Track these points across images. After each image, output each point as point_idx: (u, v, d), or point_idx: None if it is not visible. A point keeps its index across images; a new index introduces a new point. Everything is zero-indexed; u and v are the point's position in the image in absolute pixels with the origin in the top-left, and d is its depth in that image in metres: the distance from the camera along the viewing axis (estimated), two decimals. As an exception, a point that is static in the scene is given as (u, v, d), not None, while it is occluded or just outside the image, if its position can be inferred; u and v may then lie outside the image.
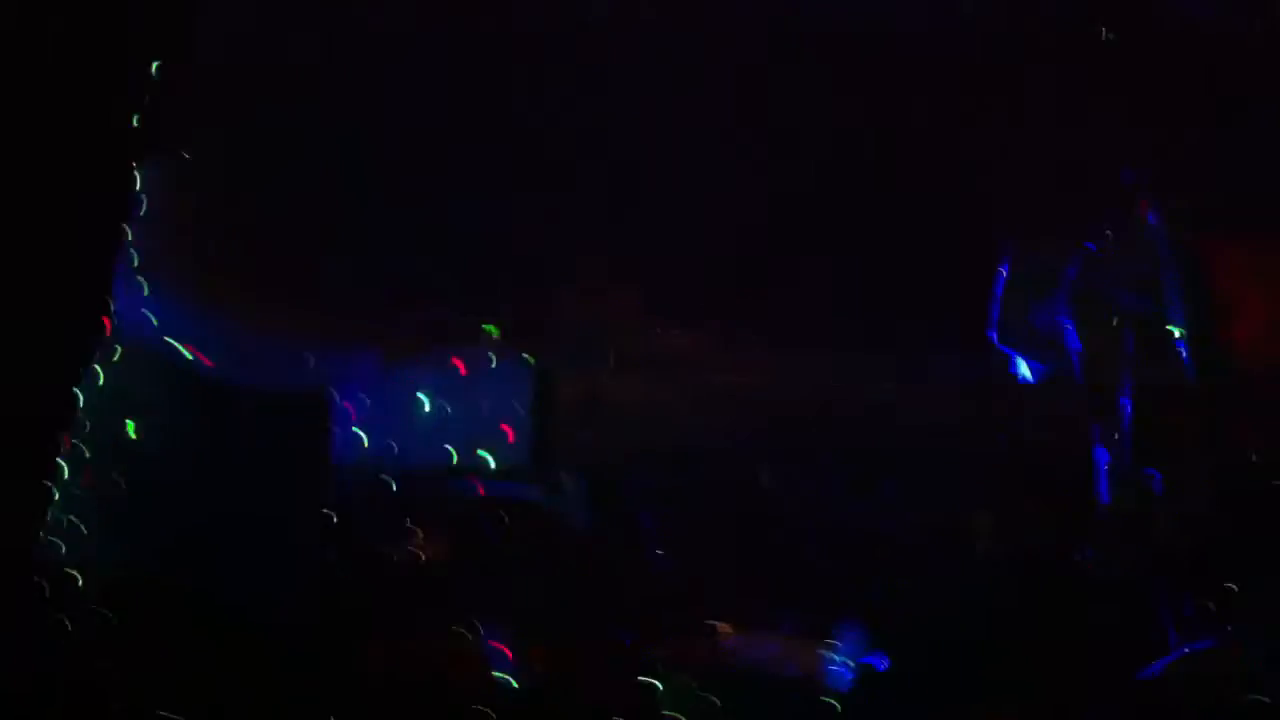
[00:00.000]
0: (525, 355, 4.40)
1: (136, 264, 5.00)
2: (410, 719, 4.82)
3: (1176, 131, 5.76)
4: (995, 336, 6.02)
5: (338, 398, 4.65)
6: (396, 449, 4.50)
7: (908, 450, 5.14)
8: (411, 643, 4.94)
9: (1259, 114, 6.04)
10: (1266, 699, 4.86)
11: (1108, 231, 5.11)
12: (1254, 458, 5.10)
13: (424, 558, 4.82)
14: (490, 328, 4.69)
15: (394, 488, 4.66)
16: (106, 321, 4.91)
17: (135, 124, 4.92)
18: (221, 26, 5.13)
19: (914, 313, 6.27)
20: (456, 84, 5.72)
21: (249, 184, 5.15)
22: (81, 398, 4.99)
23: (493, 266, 5.36)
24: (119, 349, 5.15)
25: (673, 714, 4.61)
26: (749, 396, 4.37)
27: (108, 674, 4.97)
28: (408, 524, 4.88)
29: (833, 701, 4.55)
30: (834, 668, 4.55)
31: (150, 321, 4.99)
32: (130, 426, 5.22)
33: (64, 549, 5.22)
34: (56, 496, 5.05)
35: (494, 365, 4.43)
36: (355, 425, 4.62)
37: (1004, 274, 6.00)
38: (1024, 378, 5.95)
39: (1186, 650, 4.78)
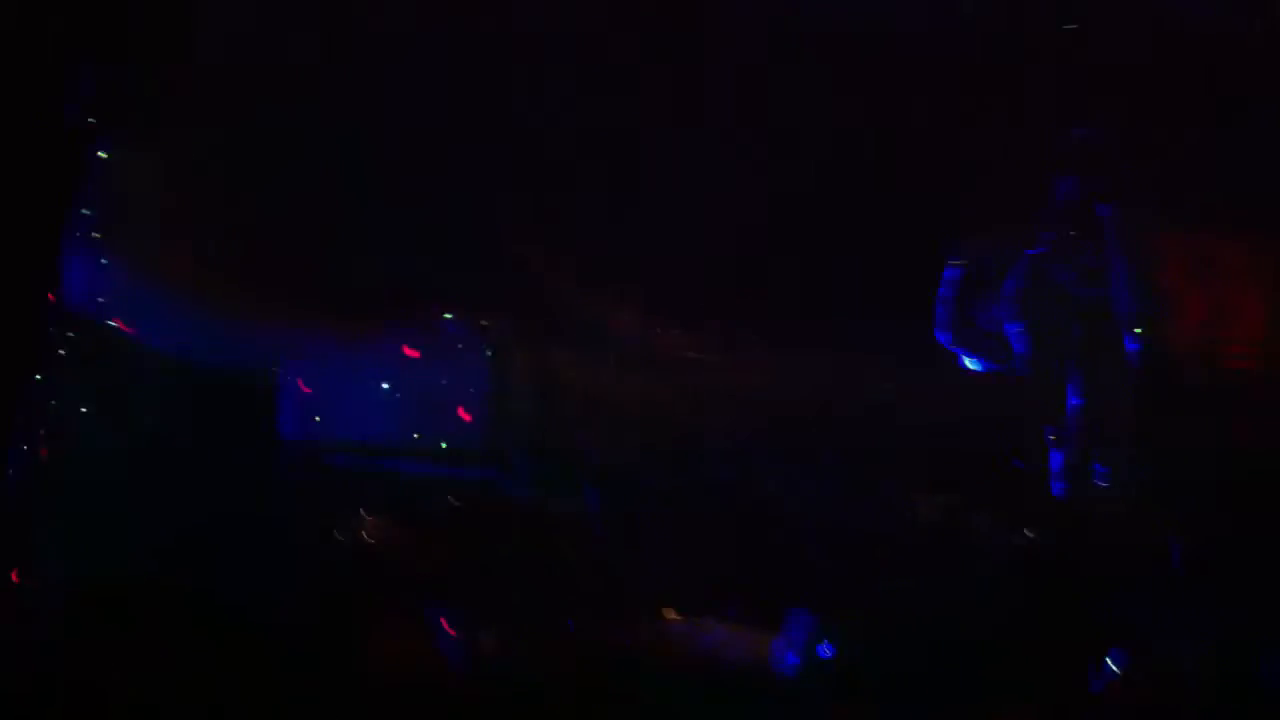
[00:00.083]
0: (481, 336, 4.35)
1: (87, 239, 4.98)
2: (359, 702, 4.81)
3: (1135, 128, 5.77)
4: (942, 336, 6.03)
5: (288, 376, 4.61)
6: (348, 429, 4.45)
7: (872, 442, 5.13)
8: (361, 626, 4.93)
9: (1221, 111, 6.07)
10: (1219, 691, 4.90)
11: (1058, 227, 5.12)
12: (1203, 449, 5.12)
13: (372, 540, 4.80)
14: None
15: (343, 469, 4.63)
16: (51, 298, 4.91)
17: (84, 101, 4.94)
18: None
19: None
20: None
21: (205, 161, 5.12)
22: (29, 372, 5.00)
23: (472, 255, 5.34)
24: (70, 325, 5.14)
25: (621, 698, 4.61)
26: (712, 378, 4.35)
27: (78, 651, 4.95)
28: (356, 507, 4.86)
29: (778, 688, 4.55)
30: (781, 655, 4.55)
31: (100, 298, 4.96)
32: (79, 403, 5.20)
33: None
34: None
35: (450, 345, 4.38)
36: (305, 405, 4.58)
37: (951, 273, 6.02)
38: (971, 375, 5.99)
39: (1134, 646, 4.79)
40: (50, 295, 5.05)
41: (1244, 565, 5.14)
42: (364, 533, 4.75)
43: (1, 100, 5.12)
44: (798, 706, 4.58)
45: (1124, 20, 6.28)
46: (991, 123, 6.63)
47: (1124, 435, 4.85)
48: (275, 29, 5.35)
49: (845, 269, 7.04)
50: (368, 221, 5.12)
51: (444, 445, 4.24)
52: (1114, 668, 4.81)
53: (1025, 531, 4.72)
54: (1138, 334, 4.90)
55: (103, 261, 5.05)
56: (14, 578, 5.22)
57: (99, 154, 5.00)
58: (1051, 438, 4.74)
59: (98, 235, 4.99)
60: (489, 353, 4.16)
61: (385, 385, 4.37)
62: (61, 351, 5.13)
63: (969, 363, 5.87)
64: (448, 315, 4.61)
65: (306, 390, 4.53)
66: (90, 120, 4.99)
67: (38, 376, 5.14)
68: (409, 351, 4.40)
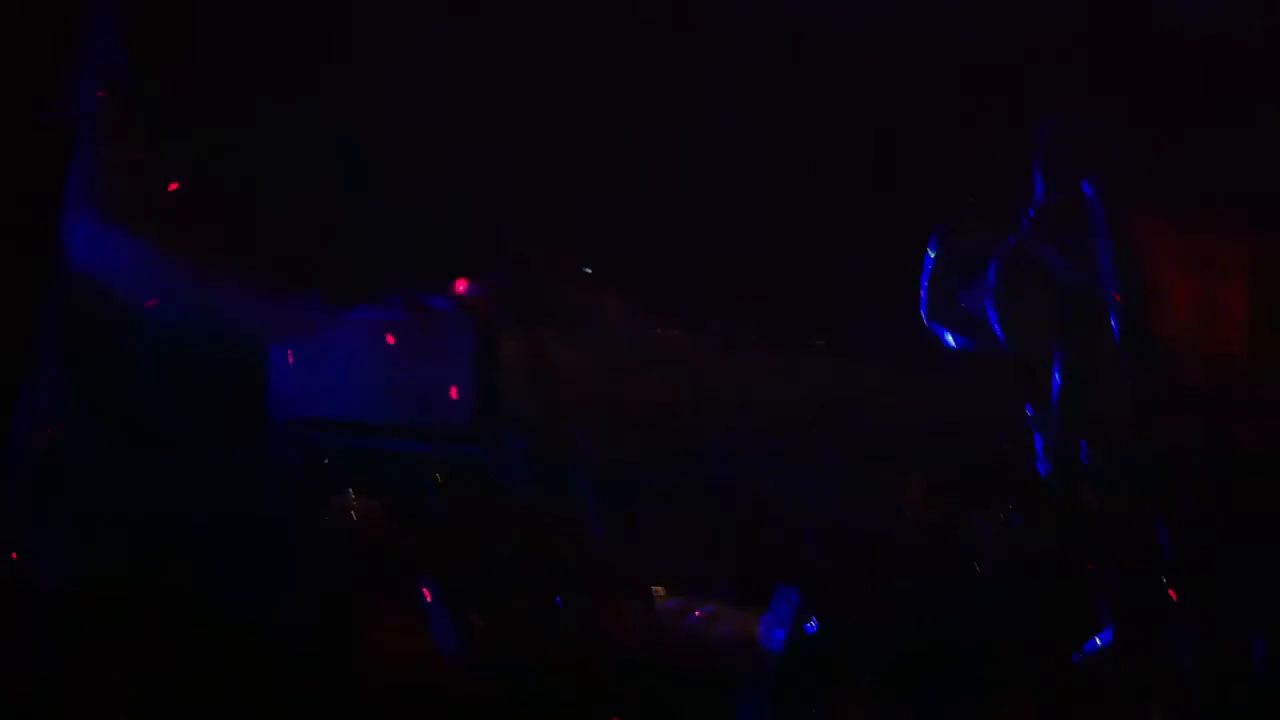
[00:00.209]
0: (470, 316, 4.32)
1: (89, 202, 4.96)
2: (347, 682, 4.81)
3: (1122, 114, 5.78)
4: (925, 315, 6.03)
5: (278, 358, 4.58)
6: (337, 409, 4.43)
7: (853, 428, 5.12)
8: (353, 610, 4.93)
9: (1210, 103, 6.09)
10: (1196, 679, 4.91)
11: (1042, 210, 5.12)
12: (1185, 434, 5.14)
13: (362, 521, 4.79)
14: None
15: (332, 446, 4.61)
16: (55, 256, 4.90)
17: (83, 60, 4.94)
18: None
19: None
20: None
21: (209, 130, 5.11)
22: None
23: (464, 237, 5.32)
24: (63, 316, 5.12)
25: (603, 675, 4.61)
26: (699, 360, 4.33)
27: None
28: (346, 488, 4.84)
29: (766, 665, 4.55)
30: (767, 632, 4.55)
31: (100, 259, 4.93)
32: (72, 396, 5.18)
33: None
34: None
35: (438, 325, 4.36)
36: (295, 386, 4.56)
37: (934, 252, 6.01)
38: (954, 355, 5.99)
39: (1112, 632, 4.81)
40: (45, 290, 5.06)
41: (1231, 550, 5.15)
42: (354, 514, 4.74)
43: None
44: (786, 685, 4.59)
45: (1112, 12, 6.29)
46: (979, 111, 6.63)
47: (1108, 417, 4.85)
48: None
49: (840, 262, 7.04)
50: (358, 203, 5.10)
51: (433, 425, 4.22)
52: (1100, 646, 4.82)
53: (1013, 514, 4.73)
54: (1122, 316, 4.90)
55: (94, 249, 5.03)
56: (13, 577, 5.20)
57: (92, 143, 4.99)
58: (1035, 419, 4.74)
59: (91, 223, 4.97)
60: (477, 333, 4.13)
61: (374, 365, 4.34)
62: (56, 348, 5.12)
63: (950, 341, 5.87)
64: (436, 295, 4.57)
65: (296, 371, 4.50)
66: (83, 112, 4.98)
67: (34, 373, 5.13)
68: (398, 331, 4.37)
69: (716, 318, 4.46)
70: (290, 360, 4.53)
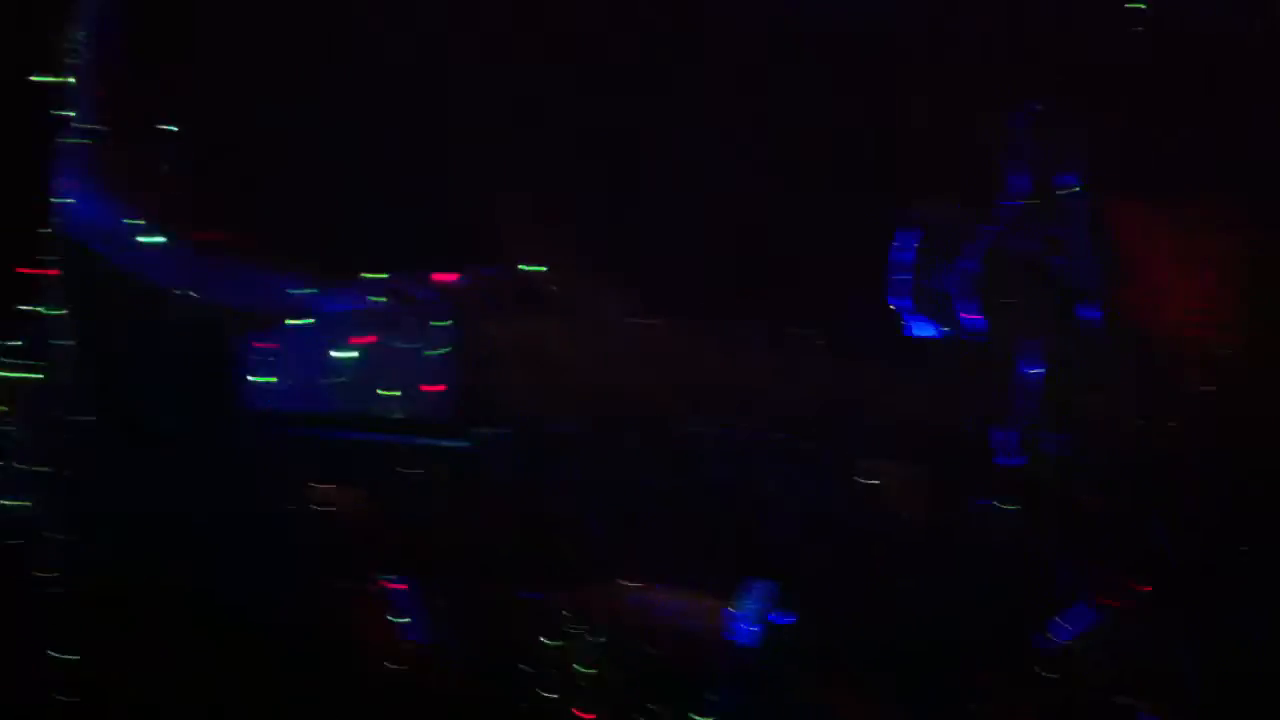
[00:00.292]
0: (450, 303, 4.31)
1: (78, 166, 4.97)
2: (318, 673, 4.81)
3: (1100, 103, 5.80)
4: (895, 300, 6.03)
5: (252, 347, 4.56)
6: (313, 400, 4.41)
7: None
8: (323, 597, 4.93)
9: (1188, 93, 6.13)
10: (1172, 668, 4.93)
11: (1020, 197, 5.14)
12: (1161, 421, 5.16)
13: (341, 512, 4.77)
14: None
15: (311, 439, 4.59)
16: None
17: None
18: None
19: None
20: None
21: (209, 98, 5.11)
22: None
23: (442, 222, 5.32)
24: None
25: (580, 668, 4.60)
26: (683, 349, 4.33)
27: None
28: (325, 478, 4.83)
29: (742, 659, 4.56)
30: (740, 624, 4.54)
31: (87, 224, 4.93)
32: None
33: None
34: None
35: (423, 314, 4.33)
36: (270, 371, 4.54)
37: (907, 236, 6.02)
38: (925, 340, 6.00)
39: (1087, 617, 4.82)
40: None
41: (1218, 544, 5.17)
42: (334, 508, 4.73)
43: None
44: (756, 675, 4.59)
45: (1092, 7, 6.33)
46: (965, 98, 6.65)
47: (1081, 404, 4.86)
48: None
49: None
50: (339, 191, 5.10)
51: (415, 417, 4.19)
52: (1068, 629, 4.84)
53: (985, 500, 4.73)
54: (1100, 305, 4.92)
55: (70, 239, 5.03)
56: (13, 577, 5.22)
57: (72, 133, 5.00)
58: (1010, 406, 4.75)
59: (67, 212, 4.97)
60: (461, 323, 4.11)
61: (355, 356, 4.31)
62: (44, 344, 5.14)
63: (922, 328, 5.87)
64: (415, 281, 4.55)
65: (273, 362, 4.47)
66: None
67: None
68: (380, 321, 4.34)
69: (706, 307, 4.46)
70: (268, 351, 4.51)
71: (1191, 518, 5.19)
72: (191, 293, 4.76)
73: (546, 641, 4.73)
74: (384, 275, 4.56)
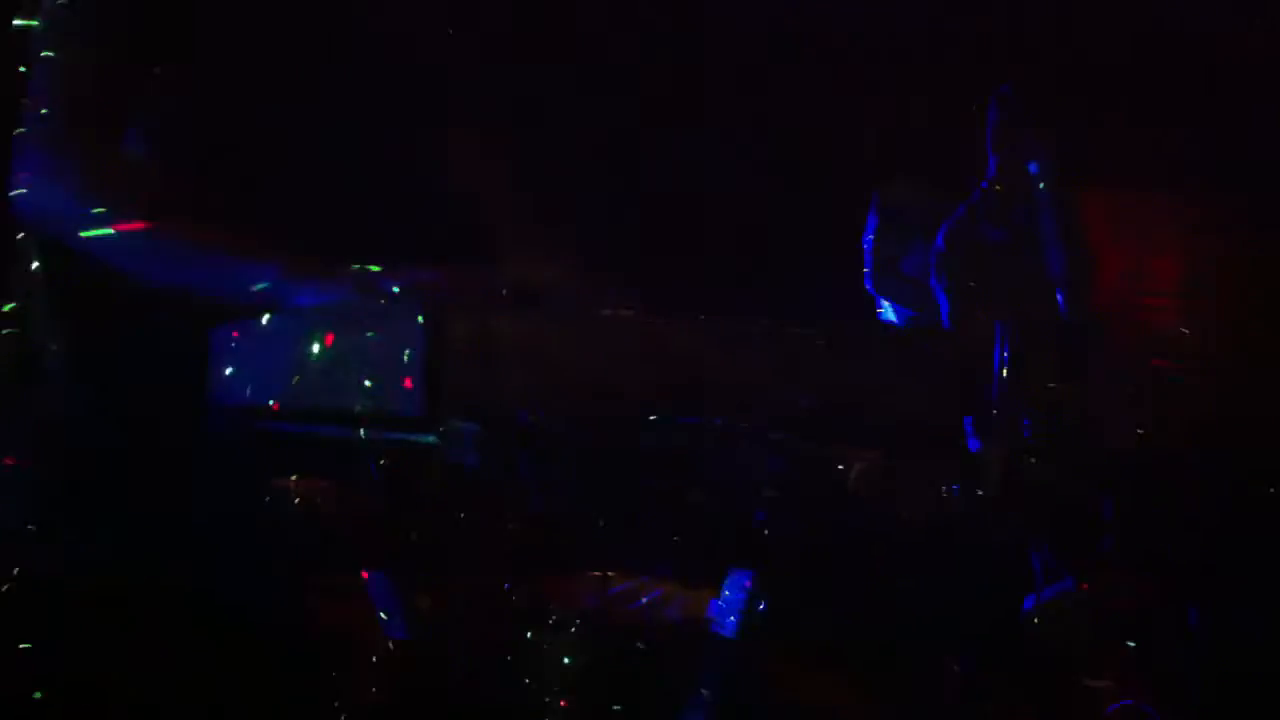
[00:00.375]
0: (419, 297, 4.29)
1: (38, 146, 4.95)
2: (294, 666, 4.81)
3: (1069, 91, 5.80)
4: (869, 283, 6.03)
5: (218, 341, 4.55)
6: (280, 395, 4.39)
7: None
8: (306, 598, 4.93)
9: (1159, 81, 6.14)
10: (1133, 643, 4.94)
11: (988, 184, 5.13)
12: (1128, 413, 5.16)
13: (306, 506, 4.77)
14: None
15: (277, 432, 4.58)
16: None
17: None
18: None
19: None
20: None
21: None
22: None
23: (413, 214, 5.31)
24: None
25: (554, 659, 4.60)
26: (657, 345, 4.32)
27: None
28: (291, 471, 4.82)
29: (717, 649, 4.55)
30: (718, 613, 4.54)
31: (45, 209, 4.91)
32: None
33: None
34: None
35: (386, 307, 4.32)
36: (236, 370, 4.53)
37: (876, 218, 6.02)
38: (892, 324, 6.01)
39: (1047, 594, 4.83)
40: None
41: (1175, 528, 5.18)
42: (300, 501, 4.73)
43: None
44: (737, 667, 4.59)
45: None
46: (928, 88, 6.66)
47: (1051, 391, 4.86)
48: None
49: (790, 237, 7.06)
50: (304, 179, 5.09)
51: (383, 410, 4.18)
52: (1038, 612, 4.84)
53: (955, 487, 4.73)
54: (1067, 292, 4.91)
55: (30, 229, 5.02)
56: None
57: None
58: (979, 394, 4.75)
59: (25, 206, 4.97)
60: (429, 316, 4.09)
61: (318, 348, 4.30)
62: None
63: (888, 312, 5.87)
64: (383, 275, 4.54)
65: (239, 356, 4.46)
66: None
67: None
68: (347, 314, 4.33)
69: (676, 299, 4.47)
70: (233, 344, 4.49)
71: (1161, 505, 5.20)
72: (158, 283, 4.75)
73: (529, 634, 4.74)
74: (355, 268, 4.55)
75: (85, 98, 4.90)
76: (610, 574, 4.92)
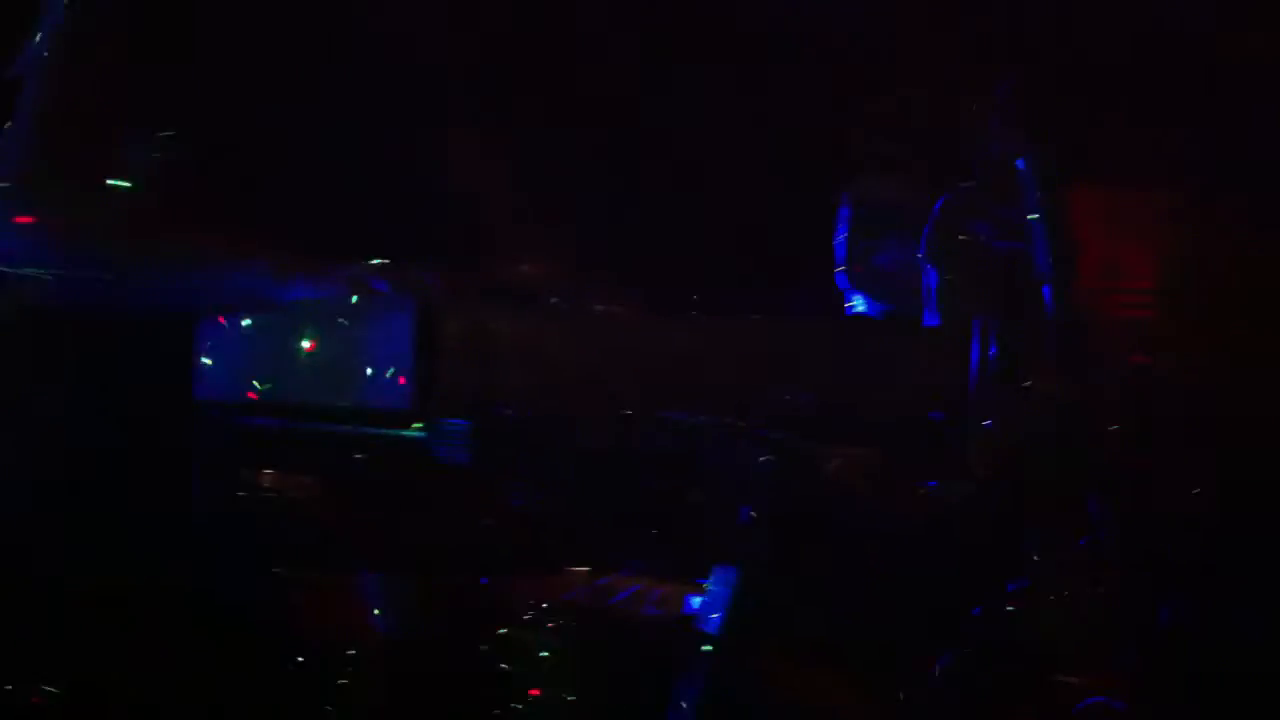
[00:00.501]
0: (409, 292, 4.30)
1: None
2: (282, 664, 4.82)
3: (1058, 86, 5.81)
4: (839, 278, 6.03)
5: (204, 336, 4.55)
6: (268, 390, 4.40)
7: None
8: (290, 594, 4.94)
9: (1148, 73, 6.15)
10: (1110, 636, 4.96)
11: (974, 178, 5.14)
12: (1113, 409, 5.17)
13: (293, 502, 4.78)
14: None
15: (265, 429, 4.59)
16: None
17: None
18: None
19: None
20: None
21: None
22: None
23: (404, 209, 5.32)
24: None
25: (535, 655, 4.61)
26: (647, 342, 4.30)
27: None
28: (277, 468, 4.83)
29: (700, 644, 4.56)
30: (698, 608, 4.55)
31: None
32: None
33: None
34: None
35: (380, 302, 4.33)
36: (223, 365, 4.53)
37: (849, 212, 6.01)
38: (866, 317, 6.00)
39: (1015, 587, 4.84)
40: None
41: (1164, 525, 5.19)
42: (286, 497, 4.74)
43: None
44: (721, 663, 4.60)
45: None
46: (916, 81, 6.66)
47: (1039, 388, 4.86)
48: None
49: (783, 233, 7.06)
50: (293, 175, 5.09)
51: (372, 407, 4.19)
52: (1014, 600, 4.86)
53: (943, 484, 4.74)
54: (1054, 288, 4.92)
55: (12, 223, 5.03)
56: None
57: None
58: (966, 389, 4.76)
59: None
60: (418, 312, 4.10)
61: (307, 344, 4.31)
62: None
63: (860, 304, 5.87)
64: (373, 270, 4.54)
65: (226, 352, 4.47)
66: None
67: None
68: (336, 311, 4.34)
69: (667, 294, 4.46)
70: (220, 340, 4.50)
71: (1141, 499, 5.21)
72: (146, 282, 4.76)
73: (511, 630, 4.75)
74: (345, 264, 4.56)
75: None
76: (593, 570, 4.92)
